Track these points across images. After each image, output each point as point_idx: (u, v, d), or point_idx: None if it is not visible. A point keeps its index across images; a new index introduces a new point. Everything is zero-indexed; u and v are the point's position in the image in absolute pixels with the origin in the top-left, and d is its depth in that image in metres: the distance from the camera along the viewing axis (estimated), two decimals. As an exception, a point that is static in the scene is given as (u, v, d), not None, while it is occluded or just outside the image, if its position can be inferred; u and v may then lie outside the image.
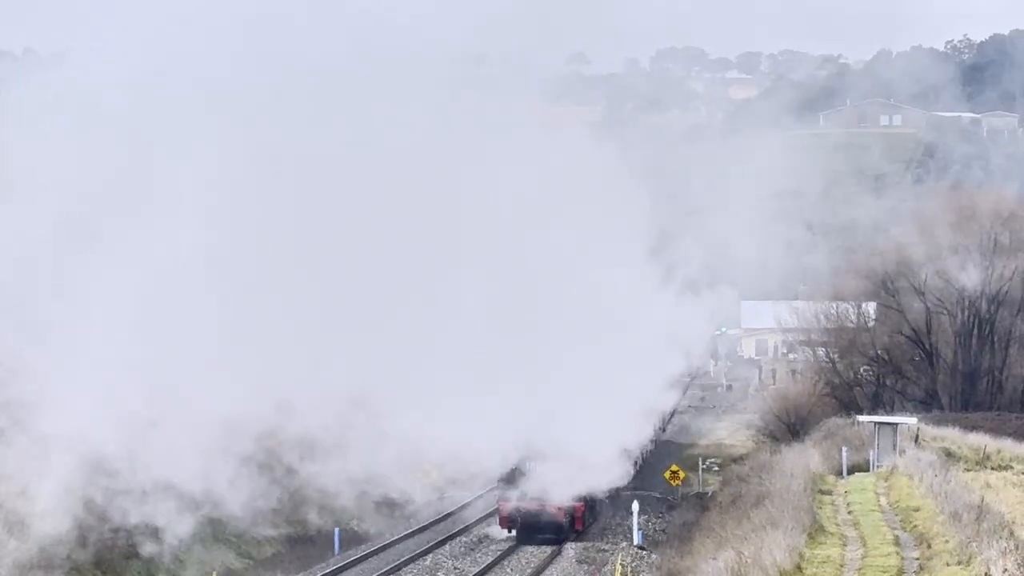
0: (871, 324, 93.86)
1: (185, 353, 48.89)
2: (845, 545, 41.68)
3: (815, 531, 42.83)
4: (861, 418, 71.90)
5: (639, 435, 62.79)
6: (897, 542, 41.74)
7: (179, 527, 50.12)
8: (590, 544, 55.54)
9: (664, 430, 72.32)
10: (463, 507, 66.00)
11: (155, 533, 49.30)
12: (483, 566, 51.59)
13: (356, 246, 54.87)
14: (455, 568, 51.76)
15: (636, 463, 66.19)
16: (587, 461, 57.09)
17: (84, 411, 46.80)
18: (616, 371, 57.35)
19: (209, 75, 53.41)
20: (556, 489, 56.85)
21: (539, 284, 57.55)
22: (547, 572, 51.76)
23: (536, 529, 56.93)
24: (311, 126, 55.13)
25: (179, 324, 49.18)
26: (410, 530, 59.92)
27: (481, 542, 56.85)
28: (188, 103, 52.58)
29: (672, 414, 74.76)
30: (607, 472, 58.95)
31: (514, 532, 57.61)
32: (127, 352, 47.96)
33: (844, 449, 65.06)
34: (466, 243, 56.98)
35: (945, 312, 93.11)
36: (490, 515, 62.82)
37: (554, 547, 55.04)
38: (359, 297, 53.88)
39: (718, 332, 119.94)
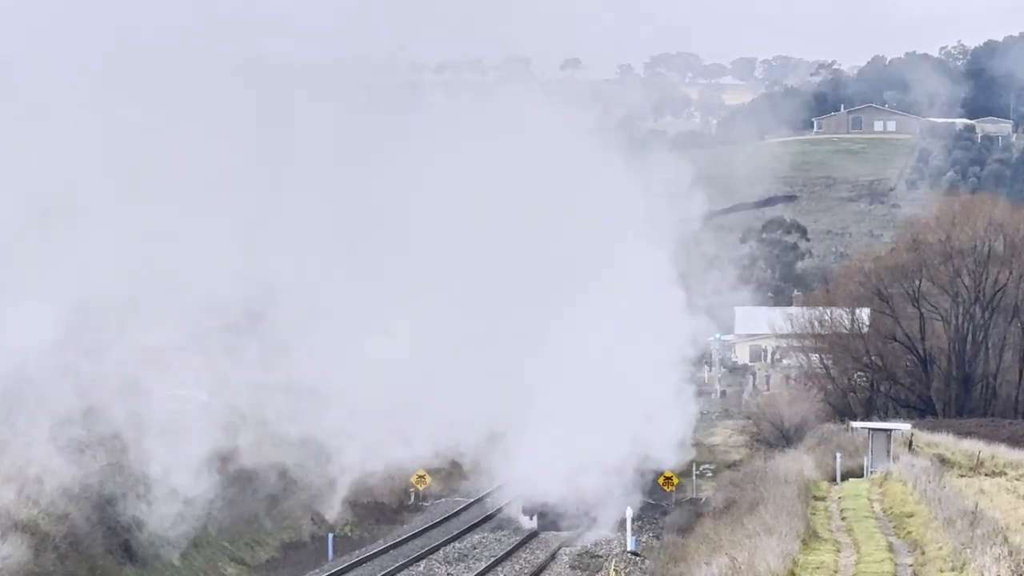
0: (865, 330, 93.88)
1: None
2: (839, 551, 41.69)
3: (809, 537, 42.85)
4: (855, 424, 71.91)
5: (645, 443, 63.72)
6: (891, 548, 41.74)
7: (172, 531, 50.22)
8: (584, 550, 55.58)
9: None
10: (458, 513, 66.06)
11: (150, 537, 49.34)
12: (477, 572, 51.57)
13: (353, 248, 55.38)
14: (448, 574, 51.76)
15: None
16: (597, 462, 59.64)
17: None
18: (625, 379, 58.74)
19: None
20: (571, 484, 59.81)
21: (546, 288, 58.60)
22: (541, 578, 51.96)
23: (555, 517, 60.61)
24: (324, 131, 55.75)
25: None
26: (403, 536, 59.91)
27: (475, 547, 56.86)
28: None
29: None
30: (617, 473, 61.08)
31: (535, 520, 61.03)
32: None
33: (838, 455, 65.07)
34: (470, 243, 57.74)
35: (939, 318, 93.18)
36: (489, 517, 63.36)
37: (548, 555, 55.18)
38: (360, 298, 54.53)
39: (712, 338, 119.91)
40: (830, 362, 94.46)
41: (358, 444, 57.27)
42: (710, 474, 76.60)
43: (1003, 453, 70.63)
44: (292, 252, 54.28)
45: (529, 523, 61.46)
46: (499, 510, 65.11)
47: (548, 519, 60.84)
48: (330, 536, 57.44)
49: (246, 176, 53.35)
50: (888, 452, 63.94)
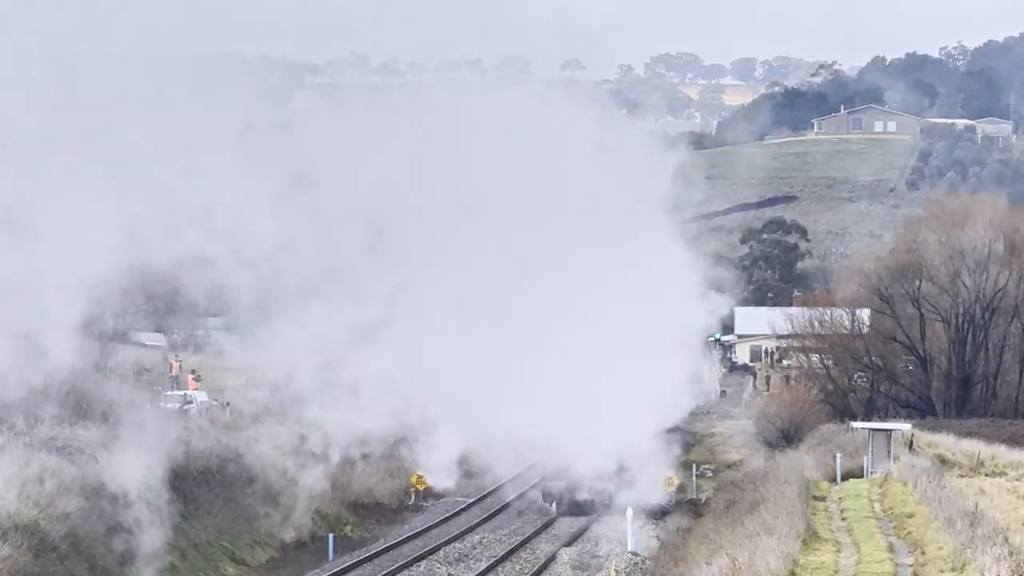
0: (865, 330, 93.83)
1: None
2: (839, 551, 41.68)
3: (809, 537, 42.82)
4: (855, 424, 71.85)
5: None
6: (891, 548, 41.73)
7: (173, 531, 50.24)
8: (584, 550, 55.59)
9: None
10: (458, 513, 66.07)
11: (150, 537, 49.36)
12: (477, 572, 51.58)
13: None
14: (449, 574, 51.75)
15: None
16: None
17: None
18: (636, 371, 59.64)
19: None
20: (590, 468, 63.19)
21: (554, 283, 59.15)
22: (542, 577, 51.99)
23: (574, 503, 64.38)
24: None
25: None
26: (403, 536, 59.91)
27: (476, 547, 56.85)
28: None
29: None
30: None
31: (554, 506, 64.58)
32: None
33: (838, 455, 65.02)
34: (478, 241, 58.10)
35: (939, 319, 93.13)
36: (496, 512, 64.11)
37: (548, 555, 55.19)
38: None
39: (711, 338, 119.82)
40: (830, 362, 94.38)
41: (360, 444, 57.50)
42: (710, 474, 76.59)
43: (1003, 453, 70.59)
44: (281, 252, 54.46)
45: (549, 508, 64.13)
46: (509, 503, 66.32)
47: (567, 504, 63.91)
48: (330, 536, 57.46)
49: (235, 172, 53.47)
50: (888, 452, 63.88)
